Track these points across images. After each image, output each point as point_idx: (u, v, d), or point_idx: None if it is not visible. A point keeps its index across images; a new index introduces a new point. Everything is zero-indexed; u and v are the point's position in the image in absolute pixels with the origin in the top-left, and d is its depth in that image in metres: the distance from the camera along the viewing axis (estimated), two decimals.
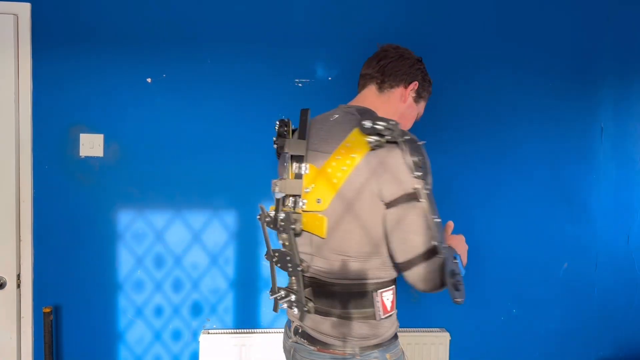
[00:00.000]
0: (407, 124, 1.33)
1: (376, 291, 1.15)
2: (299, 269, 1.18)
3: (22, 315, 1.96)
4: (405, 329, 2.07)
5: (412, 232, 1.07)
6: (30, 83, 1.92)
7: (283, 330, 1.42)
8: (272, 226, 1.22)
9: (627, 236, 2.16)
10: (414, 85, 1.30)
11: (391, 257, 1.13)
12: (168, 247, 2.01)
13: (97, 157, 1.96)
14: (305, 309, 1.18)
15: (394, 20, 2.03)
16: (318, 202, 1.14)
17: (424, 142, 1.10)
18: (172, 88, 1.97)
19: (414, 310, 2.10)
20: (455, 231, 2.10)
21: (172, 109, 1.97)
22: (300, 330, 1.23)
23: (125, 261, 2.00)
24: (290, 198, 1.18)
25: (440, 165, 2.07)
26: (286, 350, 1.31)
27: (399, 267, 1.12)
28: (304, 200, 1.16)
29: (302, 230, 1.18)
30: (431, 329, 2.09)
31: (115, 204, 1.98)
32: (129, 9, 1.94)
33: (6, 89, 1.89)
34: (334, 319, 1.16)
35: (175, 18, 1.96)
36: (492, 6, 2.06)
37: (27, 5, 1.90)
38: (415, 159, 1.06)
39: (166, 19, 1.96)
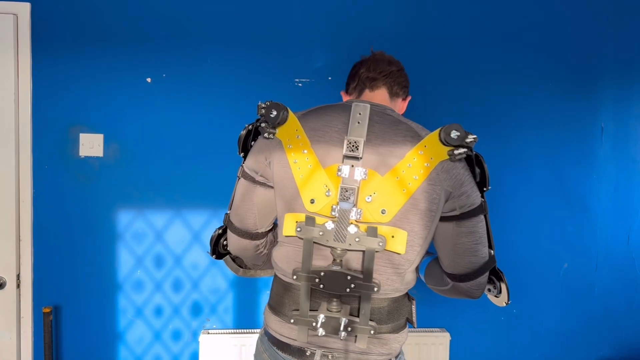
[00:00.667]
0: None
1: (413, 299, 1.17)
2: (375, 289, 1.04)
3: (21, 315, 1.96)
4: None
5: (481, 243, 1.10)
6: (30, 83, 1.92)
7: None
8: (327, 241, 1.04)
9: (627, 236, 2.16)
10: (409, 99, 1.33)
11: (445, 267, 1.14)
12: (168, 247, 2.01)
13: (97, 157, 1.96)
14: (372, 331, 1.05)
15: (395, 21, 2.03)
16: (382, 212, 1.03)
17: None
18: (172, 88, 1.97)
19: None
20: None
21: (172, 109, 1.97)
22: (330, 356, 1.08)
23: (125, 261, 2.00)
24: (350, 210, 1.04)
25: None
26: None
27: (458, 279, 1.13)
28: (360, 210, 1.04)
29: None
30: (431, 329, 2.09)
31: (115, 204, 1.98)
32: (128, 9, 1.94)
33: (6, 89, 1.89)
34: (384, 335, 1.09)
35: (175, 18, 1.96)
36: (492, 7, 2.06)
37: (27, 5, 1.90)
38: (486, 173, 1.10)
39: (166, 19, 1.96)
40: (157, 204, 1.99)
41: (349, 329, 1.05)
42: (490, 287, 1.20)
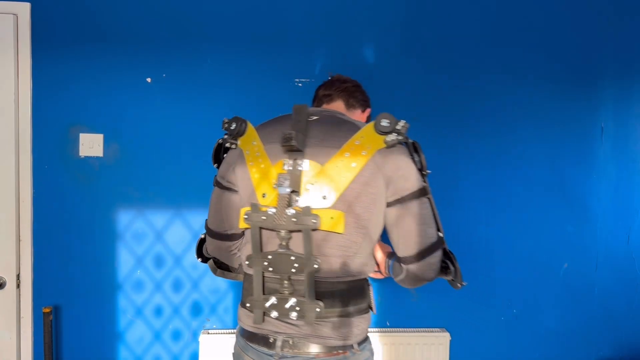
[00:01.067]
0: None
1: (369, 285, 1.24)
2: (315, 266, 1.11)
3: (21, 315, 1.96)
4: (405, 329, 2.07)
5: (426, 224, 1.15)
6: (30, 83, 1.92)
7: (235, 351, 1.29)
8: (270, 225, 1.13)
9: (627, 236, 2.16)
10: (369, 111, 1.45)
11: (398, 251, 1.19)
12: (168, 247, 2.01)
13: (97, 157, 1.96)
14: (318, 309, 1.11)
15: (395, 20, 2.03)
16: (323, 198, 1.12)
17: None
18: (172, 88, 1.97)
19: (414, 310, 2.10)
20: (456, 230, 2.11)
21: (172, 109, 1.97)
22: (291, 342, 1.15)
23: (125, 261, 2.00)
24: (288, 195, 1.13)
25: (440, 165, 2.07)
26: None
27: (409, 261, 1.17)
28: (303, 197, 1.12)
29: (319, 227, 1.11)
30: (431, 329, 2.09)
31: (115, 203, 1.98)
32: (129, 9, 1.94)
33: (6, 89, 1.89)
34: (334, 319, 1.15)
35: (175, 18, 1.96)
36: (492, 7, 2.06)
37: (27, 5, 1.90)
38: (422, 158, 1.18)
39: (166, 19, 1.96)
40: (157, 204, 1.99)
41: (298, 308, 1.12)
42: (446, 270, 1.24)
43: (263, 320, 1.17)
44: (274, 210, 1.12)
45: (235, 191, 1.25)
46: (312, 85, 1.99)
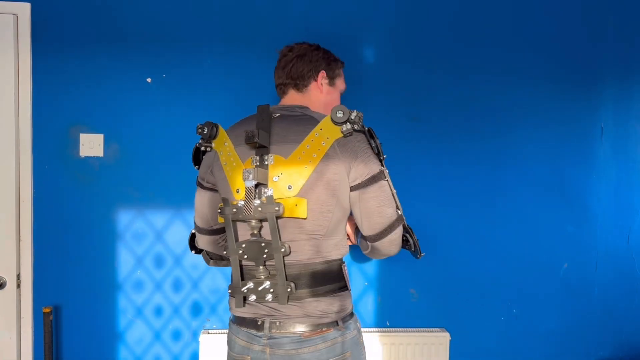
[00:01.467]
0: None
1: (342, 265, 1.31)
2: (282, 250, 1.21)
3: (22, 315, 1.96)
4: (405, 328, 2.07)
5: (385, 205, 1.25)
6: (30, 83, 1.92)
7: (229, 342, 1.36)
8: (241, 216, 1.23)
9: (627, 236, 2.16)
10: (322, 74, 1.41)
11: (362, 231, 1.29)
12: (168, 247, 2.01)
13: (97, 157, 1.96)
14: (289, 289, 1.21)
15: (393, 21, 2.03)
16: (289, 188, 1.21)
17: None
18: (172, 88, 1.97)
19: (414, 310, 2.10)
20: (456, 230, 2.11)
21: (172, 109, 1.97)
22: (278, 323, 1.23)
23: (125, 261, 2.00)
24: (253, 187, 1.23)
25: (440, 165, 2.07)
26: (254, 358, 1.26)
27: (372, 239, 1.28)
28: (271, 189, 1.21)
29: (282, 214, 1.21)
30: (431, 329, 2.09)
31: (115, 204, 1.98)
32: (128, 9, 1.94)
33: (6, 89, 1.89)
34: (312, 299, 1.23)
35: (175, 18, 1.96)
36: (492, 7, 2.06)
37: (27, 5, 1.90)
38: (378, 143, 1.27)
39: (166, 19, 1.96)
40: (157, 204, 1.99)
41: (272, 290, 1.22)
42: (407, 243, 1.33)
43: (244, 305, 1.26)
44: (242, 203, 1.23)
45: (216, 190, 1.37)
46: None
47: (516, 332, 2.14)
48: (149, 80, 1.96)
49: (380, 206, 1.25)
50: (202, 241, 1.48)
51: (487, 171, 2.09)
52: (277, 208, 1.19)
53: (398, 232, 1.28)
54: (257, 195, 1.21)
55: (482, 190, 2.09)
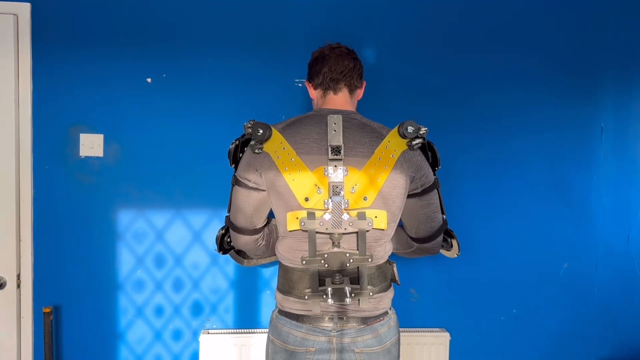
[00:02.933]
0: None
1: (392, 263, 1.43)
2: (369, 260, 1.30)
3: (22, 315, 1.96)
4: (405, 328, 2.07)
5: (437, 211, 1.42)
6: (30, 83, 1.92)
7: (294, 342, 1.37)
8: (326, 229, 1.27)
9: (627, 236, 2.16)
10: (364, 84, 1.49)
11: (413, 234, 1.44)
12: (168, 247, 2.01)
13: (97, 157, 1.96)
14: (371, 294, 1.32)
15: (395, 22, 2.03)
16: (364, 199, 1.29)
17: None
18: (172, 88, 1.97)
19: (414, 310, 2.10)
20: (456, 230, 2.11)
21: (172, 109, 1.97)
22: (344, 318, 1.33)
23: (125, 261, 2.00)
24: (334, 198, 1.27)
25: (440, 165, 2.07)
26: (323, 349, 1.33)
27: (423, 240, 1.44)
28: (347, 200, 1.28)
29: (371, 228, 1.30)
30: (431, 329, 2.09)
31: (115, 203, 1.98)
32: (129, 9, 1.94)
33: (6, 89, 1.89)
34: (378, 296, 1.35)
35: (175, 18, 1.96)
36: (492, 9, 2.06)
37: (27, 5, 1.90)
38: (437, 155, 1.41)
39: (166, 19, 1.96)
40: (157, 203, 1.99)
41: (353, 295, 1.29)
42: (443, 243, 1.53)
43: (320, 309, 1.32)
44: (329, 217, 1.28)
45: (262, 190, 1.36)
46: None
47: (516, 332, 2.14)
48: (149, 80, 1.96)
49: (433, 212, 1.40)
50: (242, 241, 1.45)
51: (487, 171, 2.09)
52: (369, 224, 1.29)
53: (442, 235, 1.46)
54: (333, 209, 1.27)
55: (482, 190, 2.09)
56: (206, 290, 2.04)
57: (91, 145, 1.95)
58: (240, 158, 1.41)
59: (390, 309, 1.42)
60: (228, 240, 1.53)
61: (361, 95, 1.49)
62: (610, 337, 2.18)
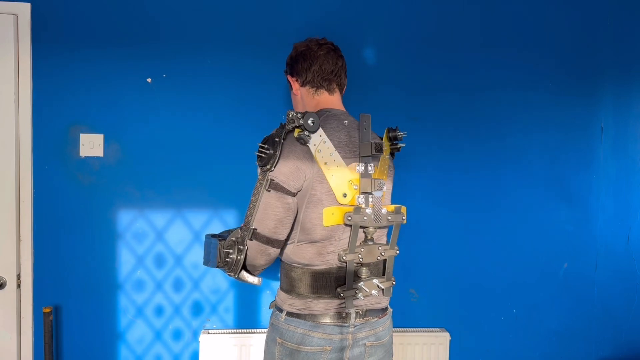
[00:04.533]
0: None
1: None
2: (397, 252, 1.38)
3: (22, 315, 1.96)
4: (405, 328, 2.07)
5: None
6: (30, 83, 1.92)
7: (312, 337, 1.33)
8: (369, 223, 1.30)
9: (627, 236, 2.16)
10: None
11: None
12: (168, 247, 2.01)
13: (97, 157, 1.96)
14: (394, 283, 1.39)
15: (394, 21, 2.03)
16: (384, 194, 1.37)
17: None
18: (172, 88, 1.97)
19: (414, 310, 2.10)
20: (456, 230, 2.11)
21: (172, 108, 1.97)
22: (361, 312, 1.34)
23: (125, 261, 2.00)
24: (370, 195, 1.31)
25: (440, 164, 2.07)
26: (338, 347, 1.33)
27: None
28: (375, 195, 1.33)
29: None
30: (431, 329, 2.09)
31: (115, 203, 1.98)
32: (129, 9, 1.94)
33: (6, 89, 1.89)
34: (390, 288, 1.40)
35: (175, 18, 1.96)
36: (492, 8, 2.06)
37: (27, 5, 1.90)
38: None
39: (166, 19, 1.96)
40: (157, 203, 1.99)
41: (381, 287, 1.34)
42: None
43: (352, 304, 1.32)
44: (370, 211, 1.30)
45: (294, 194, 1.28)
46: None
47: (516, 332, 2.14)
48: (149, 80, 1.96)
49: None
50: (272, 256, 1.33)
51: (487, 171, 2.09)
52: (404, 217, 1.37)
53: None
54: (368, 203, 1.30)
55: (482, 190, 2.09)
56: (206, 290, 2.04)
57: (91, 145, 1.95)
58: (278, 157, 1.26)
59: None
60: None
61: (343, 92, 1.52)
62: (610, 337, 2.18)
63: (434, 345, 2.04)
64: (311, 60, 1.40)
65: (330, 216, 1.28)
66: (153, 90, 1.96)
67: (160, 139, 1.97)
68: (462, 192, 2.08)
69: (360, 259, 1.31)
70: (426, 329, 2.09)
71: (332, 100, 1.42)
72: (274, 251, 1.32)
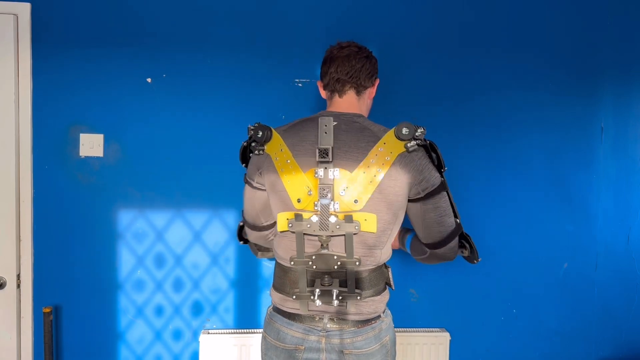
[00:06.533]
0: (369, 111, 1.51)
1: (388, 268, 1.42)
2: (357, 263, 1.29)
3: (22, 315, 1.96)
4: (405, 328, 2.07)
5: (446, 215, 1.34)
6: (30, 83, 1.92)
7: (276, 344, 1.39)
8: (314, 231, 1.27)
9: (627, 236, 2.16)
10: (377, 81, 1.48)
11: (422, 239, 1.39)
12: (168, 247, 2.01)
13: (97, 157, 1.96)
14: (359, 297, 1.30)
15: (395, 21, 2.03)
16: (355, 202, 1.27)
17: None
18: (172, 88, 1.97)
19: (414, 310, 2.10)
20: None
21: (172, 109, 1.97)
22: (335, 319, 1.33)
23: (125, 261, 2.00)
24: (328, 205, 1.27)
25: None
26: (312, 348, 1.34)
27: (433, 246, 1.38)
28: (337, 202, 1.27)
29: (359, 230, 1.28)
30: (431, 329, 2.09)
31: (115, 203, 1.98)
32: (129, 9, 1.94)
33: (6, 89, 1.89)
34: (368, 300, 1.33)
35: (175, 18, 1.96)
36: (492, 9, 2.06)
37: (27, 5, 1.90)
38: (440, 156, 1.32)
39: (166, 19, 1.96)
40: (157, 203, 1.99)
41: (340, 297, 1.30)
42: (462, 249, 1.43)
43: (308, 309, 1.33)
44: (317, 219, 1.27)
45: (264, 190, 1.41)
46: (312, 85, 2.00)
47: (516, 332, 2.14)
48: (149, 80, 1.96)
49: (441, 216, 1.33)
50: (254, 236, 1.54)
51: (487, 171, 2.09)
52: (356, 227, 1.27)
53: (457, 239, 1.38)
54: (322, 210, 1.27)
55: (482, 190, 2.09)
56: (206, 290, 2.04)
57: (91, 145, 1.95)
58: (248, 159, 1.46)
59: (383, 312, 1.41)
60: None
61: (373, 94, 1.47)
62: (610, 337, 2.18)
63: (434, 345, 2.04)
64: (329, 64, 1.40)
65: (284, 221, 1.32)
66: (153, 90, 1.96)
67: (160, 139, 1.97)
68: (462, 191, 2.08)
69: (313, 267, 1.31)
70: (426, 329, 2.09)
71: (339, 103, 1.40)
72: (253, 233, 1.52)
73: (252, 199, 1.45)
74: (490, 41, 2.07)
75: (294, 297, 1.32)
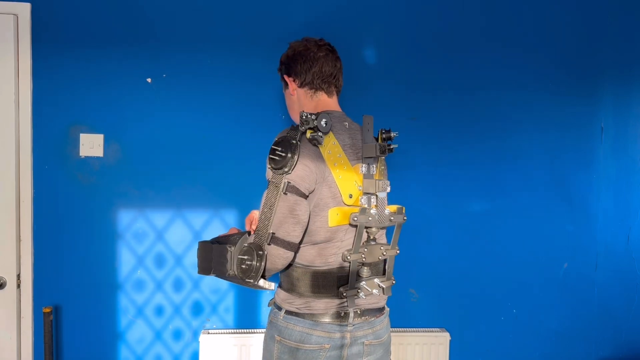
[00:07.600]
0: None
1: None
2: (398, 252, 1.36)
3: (22, 315, 1.96)
4: (405, 328, 2.07)
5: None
6: (30, 83, 1.92)
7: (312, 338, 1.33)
8: (374, 224, 1.30)
9: (627, 236, 2.16)
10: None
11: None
12: (169, 247, 2.01)
13: (97, 157, 1.96)
14: (394, 283, 1.39)
15: (394, 21, 2.03)
16: (386, 194, 1.35)
17: None
18: (172, 88, 1.97)
19: (414, 310, 2.10)
20: (455, 230, 2.11)
21: (172, 109, 1.97)
22: (359, 312, 1.35)
23: (125, 261, 2.00)
24: (372, 196, 1.31)
25: (440, 164, 2.07)
26: (336, 345, 1.34)
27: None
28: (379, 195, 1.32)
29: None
30: (431, 329, 2.09)
31: (115, 203, 1.98)
32: (128, 9, 1.94)
33: (6, 89, 1.89)
34: (390, 287, 1.40)
35: (175, 18, 1.96)
36: (491, 8, 2.06)
37: (27, 5, 1.90)
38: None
39: (166, 19, 1.96)
40: (157, 203, 1.99)
41: (383, 286, 1.35)
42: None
43: (354, 304, 1.33)
44: (375, 211, 1.30)
45: (307, 197, 1.28)
46: None
47: (516, 332, 2.14)
48: (149, 80, 1.96)
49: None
50: (282, 260, 1.27)
51: (487, 171, 2.09)
52: (405, 217, 1.36)
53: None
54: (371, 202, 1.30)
55: (482, 190, 2.09)
56: (206, 290, 2.04)
57: (91, 145, 1.95)
58: (296, 160, 1.24)
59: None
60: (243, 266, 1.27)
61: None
62: (610, 337, 2.18)
63: (434, 345, 2.04)
64: (311, 61, 1.39)
65: (335, 217, 1.30)
66: (153, 90, 1.96)
67: (160, 139, 1.97)
68: (462, 192, 2.08)
69: (363, 259, 1.32)
70: (426, 329, 2.09)
71: (330, 102, 1.43)
72: (291, 255, 1.29)
73: (300, 210, 1.24)
74: (490, 41, 2.07)
75: (345, 294, 1.29)
